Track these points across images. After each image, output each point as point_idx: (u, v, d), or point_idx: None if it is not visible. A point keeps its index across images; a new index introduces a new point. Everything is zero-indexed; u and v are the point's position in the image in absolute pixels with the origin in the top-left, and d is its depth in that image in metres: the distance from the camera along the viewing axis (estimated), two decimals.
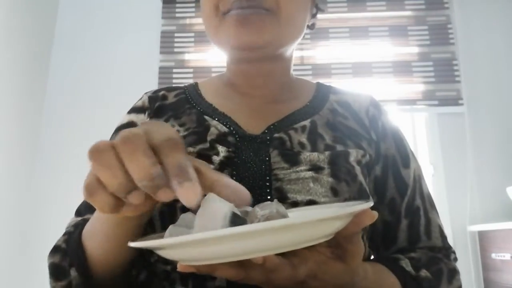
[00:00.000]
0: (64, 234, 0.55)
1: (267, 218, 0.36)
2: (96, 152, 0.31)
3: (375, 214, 0.37)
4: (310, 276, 0.39)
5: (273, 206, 0.37)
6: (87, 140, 2.74)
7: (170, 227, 0.37)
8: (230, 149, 0.55)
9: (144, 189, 0.31)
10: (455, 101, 2.25)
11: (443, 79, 2.29)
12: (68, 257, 0.51)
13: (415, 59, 2.33)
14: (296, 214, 0.45)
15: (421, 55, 2.34)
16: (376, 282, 0.49)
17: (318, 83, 0.71)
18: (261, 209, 0.36)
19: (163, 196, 0.31)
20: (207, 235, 0.29)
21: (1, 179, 1.89)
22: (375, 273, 0.49)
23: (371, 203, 0.36)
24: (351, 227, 0.37)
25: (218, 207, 0.35)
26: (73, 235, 0.52)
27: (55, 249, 0.53)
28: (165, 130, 0.33)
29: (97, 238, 0.49)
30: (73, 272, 0.50)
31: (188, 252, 0.33)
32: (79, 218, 0.60)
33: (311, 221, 0.31)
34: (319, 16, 0.71)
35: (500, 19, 2.37)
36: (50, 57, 2.37)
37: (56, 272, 0.51)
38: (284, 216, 0.36)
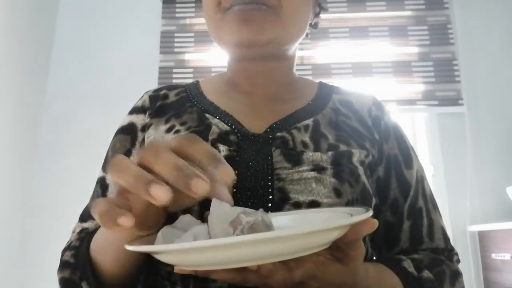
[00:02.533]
0: (71, 249, 0.55)
1: (251, 226, 0.35)
2: (113, 164, 0.32)
3: (375, 223, 0.37)
4: (308, 277, 0.39)
5: (258, 214, 0.36)
6: (87, 140, 2.72)
7: (164, 228, 0.37)
8: (231, 148, 0.54)
9: (176, 182, 0.30)
10: (455, 101, 2.25)
11: (443, 79, 2.29)
12: (78, 271, 0.51)
13: (415, 59, 2.33)
14: (290, 219, 0.45)
15: (421, 55, 2.34)
16: (378, 282, 0.48)
17: (320, 82, 0.71)
18: (246, 216, 0.36)
19: (199, 187, 0.30)
20: (197, 244, 0.29)
21: (1, 179, 1.88)
22: (377, 273, 0.49)
23: (370, 213, 0.35)
24: (351, 235, 0.37)
25: (228, 212, 0.36)
26: (81, 250, 0.52)
27: (64, 264, 0.53)
28: (180, 136, 0.34)
29: (107, 254, 0.49)
30: (85, 286, 0.50)
31: (180, 258, 0.33)
32: (84, 225, 0.60)
33: (303, 233, 0.31)
34: (319, 16, 0.71)
35: (500, 19, 2.37)
36: (50, 57, 2.36)
37: (67, 286, 0.52)
38: (269, 226, 0.36)
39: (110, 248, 0.47)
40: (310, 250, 0.34)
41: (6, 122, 1.92)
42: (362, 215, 0.34)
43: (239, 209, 0.37)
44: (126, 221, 0.31)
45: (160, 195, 0.30)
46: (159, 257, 0.34)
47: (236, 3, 0.56)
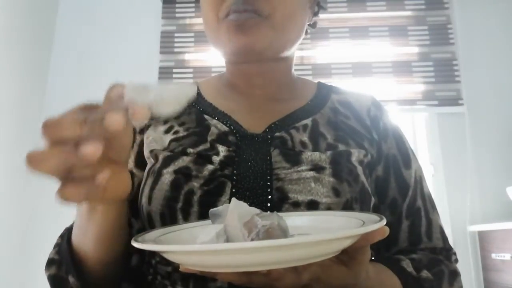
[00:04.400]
0: (54, 247, 0.56)
1: (267, 230, 0.35)
2: (30, 158, 0.32)
3: (386, 231, 0.37)
4: (313, 280, 0.39)
5: (274, 217, 0.36)
6: None
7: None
8: (230, 148, 0.55)
9: (93, 135, 0.30)
10: (455, 101, 2.25)
11: (443, 79, 2.29)
12: (63, 266, 0.52)
13: (415, 59, 2.33)
14: (303, 221, 0.45)
15: (421, 55, 2.34)
16: (378, 282, 0.48)
17: (319, 82, 0.71)
18: (261, 219, 0.36)
19: (114, 123, 0.30)
20: (212, 247, 0.30)
21: (1, 180, 1.88)
22: (376, 274, 0.49)
23: (384, 221, 0.36)
24: (362, 241, 0.37)
25: (247, 212, 0.36)
26: (62, 245, 0.54)
27: (50, 262, 0.55)
28: (73, 108, 0.33)
29: (86, 239, 0.50)
30: (71, 279, 0.51)
31: (192, 260, 0.33)
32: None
33: (320, 240, 0.30)
34: (319, 16, 0.71)
35: (500, 19, 2.37)
36: (50, 57, 2.37)
37: (55, 282, 0.53)
38: (285, 230, 0.35)
39: (90, 227, 0.48)
40: (323, 256, 0.34)
41: (6, 122, 1.92)
42: (378, 223, 0.34)
43: (257, 210, 0.37)
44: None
45: (92, 149, 0.30)
46: (167, 256, 0.34)
47: (231, 10, 0.56)
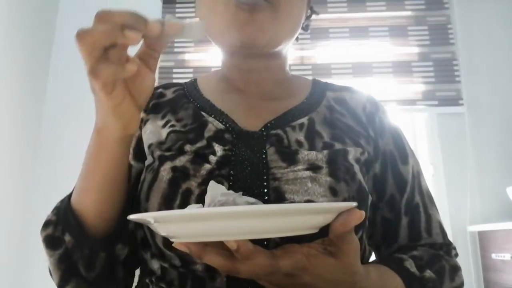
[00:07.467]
0: (53, 210, 0.56)
1: (222, 204, 0.40)
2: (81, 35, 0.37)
3: (362, 214, 0.38)
4: (299, 269, 0.38)
5: (233, 195, 0.41)
6: (87, 140, 2.72)
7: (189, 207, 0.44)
8: (226, 147, 0.54)
9: (136, 23, 0.40)
10: (455, 101, 2.25)
11: (443, 79, 2.28)
12: (60, 225, 0.52)
13: (415, 59, 2.33)
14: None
15: (421, 55, 2.34)
16: (381, 284, 0.48)
17: (314, 79, 0.71)
18: (221, 196, 0.41)
19: (154, 26, 0.41)
20: (171, 213, 0.35)
21: (2, 179, 1.88)
22: (378, 275, 0.49)
23: (354, 204, 0.37)
24: (340, 227, 0.37)
25: (216, 192, 0.42)
26: (62, 206, 0.54)
27: (47, 224, 0.55)
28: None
29: (89, 189, 0.51)
30: (67, 237, 0.51)
31: (163, 227, 0.37)
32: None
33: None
34: (319, 16, 0.71)
35: (500, 19, 2.37)
36: (50, 57, 2.36)
37: (51, 242, 0.53)
38: (238, 205, 0.40)
39: (97, 168, 0.50)
40: (281, 233, 0.36)
41: (6, 122, 1.92)
42: (340, 203, 0.36)
43: (229, 192, 0.42)
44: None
45: (132, 35, 0.38)
46: (155, 227, 0.38)
47: None
